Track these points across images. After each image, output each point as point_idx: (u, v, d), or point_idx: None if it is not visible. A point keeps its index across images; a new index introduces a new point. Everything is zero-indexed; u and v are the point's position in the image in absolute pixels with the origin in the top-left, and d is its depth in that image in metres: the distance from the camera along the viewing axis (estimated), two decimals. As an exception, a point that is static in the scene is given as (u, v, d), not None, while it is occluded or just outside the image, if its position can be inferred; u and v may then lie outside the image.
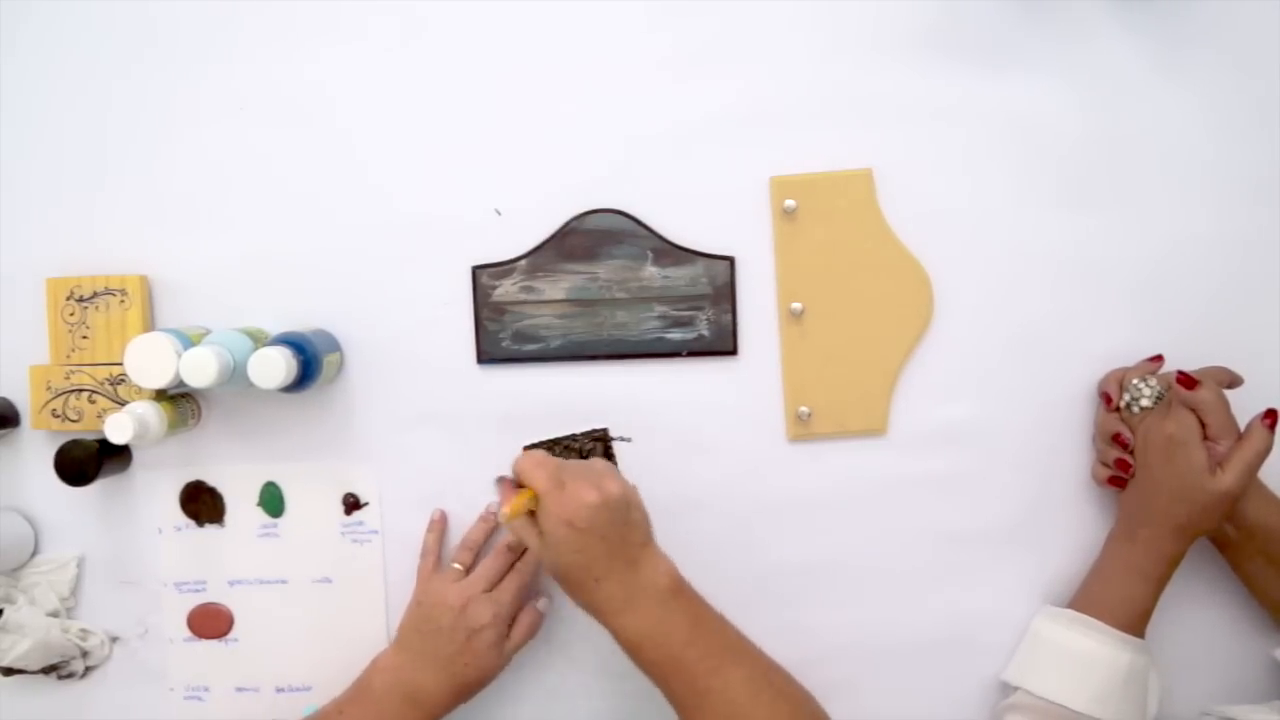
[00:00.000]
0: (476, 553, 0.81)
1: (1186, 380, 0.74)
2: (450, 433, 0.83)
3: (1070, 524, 0.82)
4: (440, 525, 0.82)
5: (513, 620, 0.79)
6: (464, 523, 0.83)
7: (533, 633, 0.80)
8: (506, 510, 0.69)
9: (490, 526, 0.82)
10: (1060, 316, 0.81)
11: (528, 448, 0.83)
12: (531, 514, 0.70)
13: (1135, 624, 0.76)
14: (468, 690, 0.77)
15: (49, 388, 0.82)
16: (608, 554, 0.69)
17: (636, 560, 0.70)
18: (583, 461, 0.75)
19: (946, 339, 0.81)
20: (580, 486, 0.69)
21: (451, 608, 0.76)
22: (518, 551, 0.80)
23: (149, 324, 0.82)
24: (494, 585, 0.78)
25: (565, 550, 0.69)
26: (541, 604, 0.82)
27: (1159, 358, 0.79)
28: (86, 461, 0.78)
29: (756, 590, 0.82)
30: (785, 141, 0.80)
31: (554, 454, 0.83)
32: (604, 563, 0.69)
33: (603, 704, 0.84)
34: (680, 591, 0.71)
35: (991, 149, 0.80)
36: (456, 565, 0.79)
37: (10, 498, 0.84)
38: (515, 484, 0.72)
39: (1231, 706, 0.75)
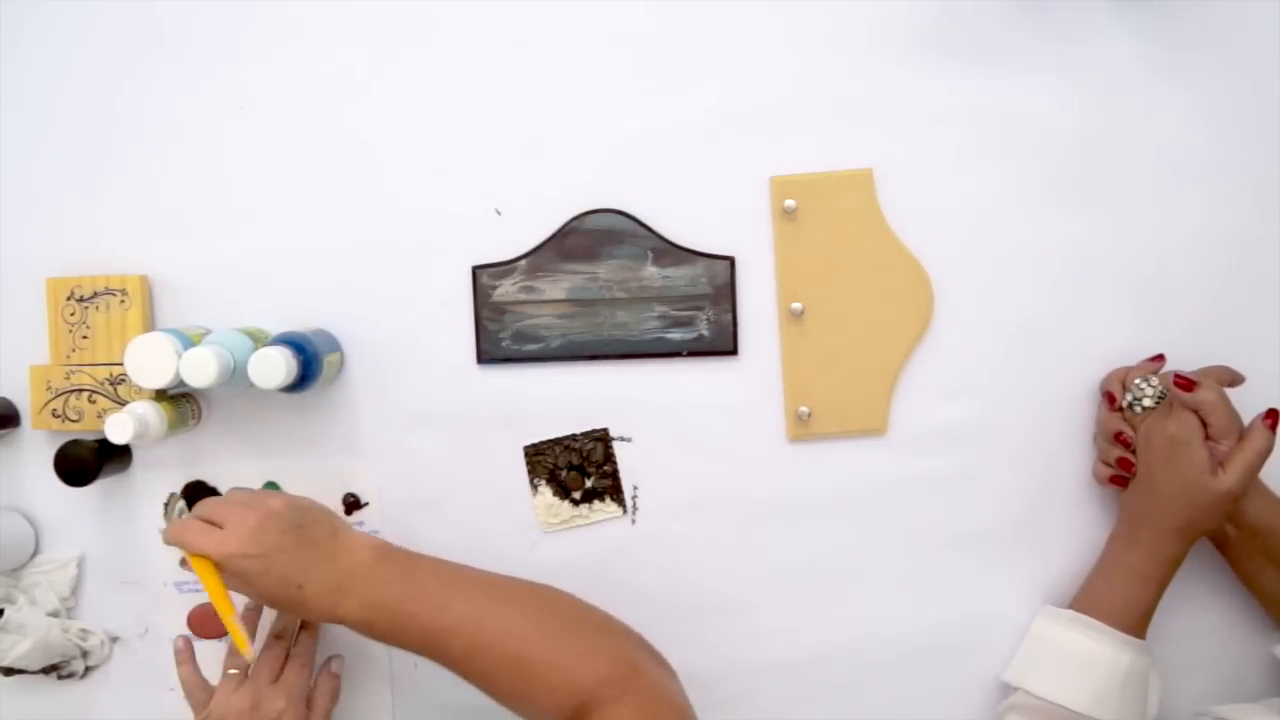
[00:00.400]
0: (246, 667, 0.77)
1: (1184, 383, 0.74)
2: (450, 433, 0.83)
3: (1071, 524, 0.82)
4: (187, 654, 0.80)
5: (310, 696, 0.78)
6: (465, 517, 0.83)
7: (335, 696, 0.79)
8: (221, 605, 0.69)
9: (254, 620, 0.80)
10: (1060, 316, 0.81)
11: (528, 448, 0.83)
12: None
13: (1136, 624, 0.76)
14: None
15: (49, 388, 0.82)
16: (296, 559, 0.69)
17: (331, 553, 0.70)
18: (233, 492, 0.74)
19: (946, 339, 0.81)
20: (236, 515, 0.70)
21: (243, 711, 0.74)
22: (288, 634, 0.78)
23: (149, 324, 0.82)
24: (278, 674, 0.76)
25: (256, 578, 0.68)
26: (335, 665, 0.81)
27: (1160, 357, 0.79)
28: (86, 461, 0.78)
29: (756, 590, 0.82)
30: (785, 141, 0.80)
31: (554, 454, 0.83)
32: (296, 569, 0.69)
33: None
34: (385, 557, 0.71)
35: (991, 149, 0.80)
36: (233, 671, 0.76)
37: (10, 498, 0.84)
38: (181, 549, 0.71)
39: (1225, 706, 0.75)
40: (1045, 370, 0.81)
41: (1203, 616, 0.81)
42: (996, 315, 0.81)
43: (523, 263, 0.82)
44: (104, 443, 0.77)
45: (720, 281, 0.81)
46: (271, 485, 0.84)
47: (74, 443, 0.79)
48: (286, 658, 0.78)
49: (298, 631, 0.79)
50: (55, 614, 0.83)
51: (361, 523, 0.84)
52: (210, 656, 0.84)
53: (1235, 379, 0.76)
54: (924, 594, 0.83)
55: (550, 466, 0.83)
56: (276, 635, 0.78)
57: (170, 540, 0.71)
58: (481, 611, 0.68)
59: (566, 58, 0.81)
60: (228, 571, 0.69)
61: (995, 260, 0.81)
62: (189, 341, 0.75)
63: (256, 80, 0.82)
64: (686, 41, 0.80)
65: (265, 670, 0.76)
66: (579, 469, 0.83)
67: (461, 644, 0.67)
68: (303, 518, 0.71)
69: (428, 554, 0.73)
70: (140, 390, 0.79)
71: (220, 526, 0.70)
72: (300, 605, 0.69)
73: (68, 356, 0.81)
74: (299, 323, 0.82)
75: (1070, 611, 0.77)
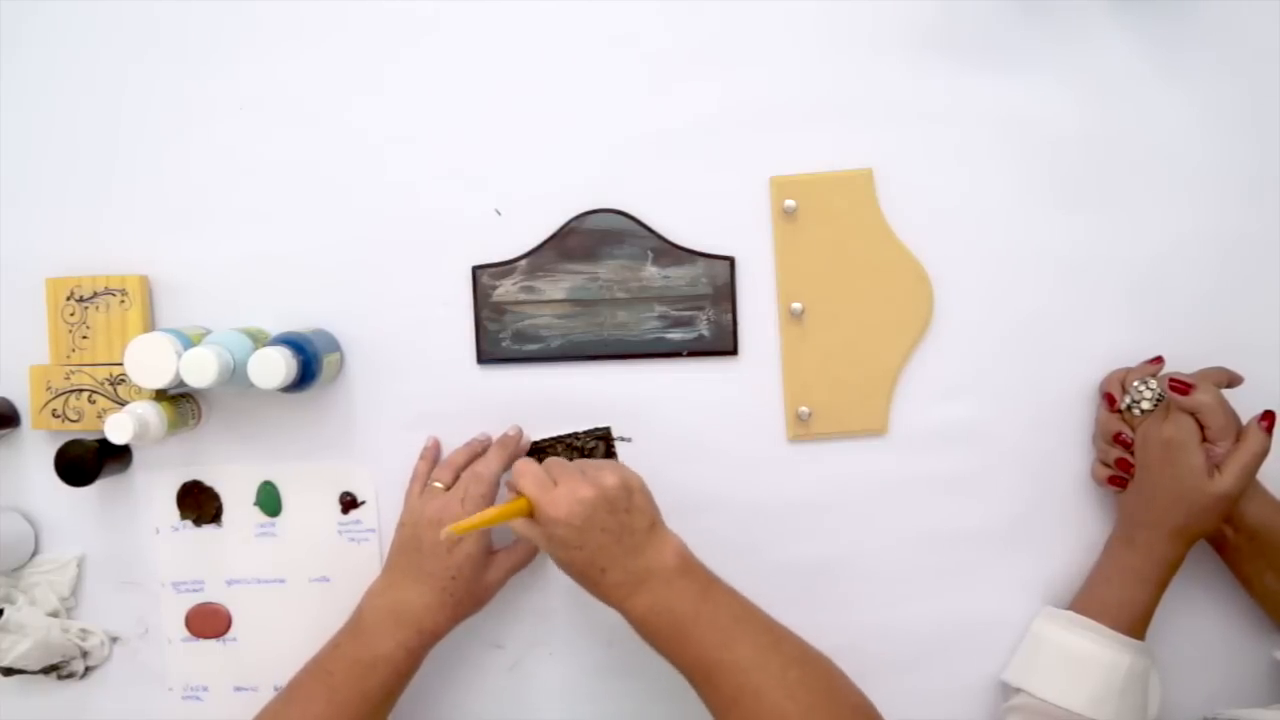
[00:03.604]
0: (458, 472, 0.79)
1: (1180, 387, 0.74)
2: (450, 433, 0.83)
3: (1070, 524, 0.82)
4: (432, 453, 0.82)
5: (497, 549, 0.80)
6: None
7: (523, 560, 0.81)
8: (453, 527, 0.69)
9: (474, 451, 0.81)
10: (1060, 316, 0.81)
11: (533, 444, 0.83)
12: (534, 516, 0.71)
13: (1135, 626, 0.76)
14: (461, 608, 0.77)
15: (49, 388, 0.82)
16: (609, 545, 0.70)
17: (640, 546, 0.71)
18: (582, 460, 0.75)
19: (946, 339, 0.81)
20: (573, 483, 0.70)
21: (431, 523, 0.76)
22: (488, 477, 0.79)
23: (149, 324, 0.82)
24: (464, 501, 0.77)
25: (567, 547, 0.70)
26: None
27: (1159, 359, 0.79)
28: (87, 461, 0.78)
29: (756, 591, 0.82)
30: (785, 141, 0.80)
31: (556, 452, 0.83)
32: (606, 554, 0.70)
33: (605, 706, 0.84)
34: (687, 569, 0.72)
35: (991, 149, 0.80)
36: (437, 484, 0.78)
37: (10, 498, 0.84)
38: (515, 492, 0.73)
39: (1237, 710, 0.75)
40: (1045, 370, 0.81)
41: (1202, 618, 0.81)
42: (996, 315, 0.81)
43: (523, 263, 0.82)
44: (104, 443, 0.77)
45: (720, 281, 0.81)
46: (268, 484, 0.84)
47: (74, 443, 0.79)
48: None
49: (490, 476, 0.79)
50: (55, 614, 0.83)
51: (358, 521, 0.84)
52: (208, 656, 0.85)
53: (1233, 380, 0.76)
54: (924, 594, 0.83)
55: (551, 465, 0.83)
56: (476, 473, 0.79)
57: (513, 473, 0.72)
58: (764, 659, 0.69)
59: (567, 58, 0.81)
60: (545, 531, 0.70)
61: (995, 260, 0.81)
62: (189, 341, 0.75)
63: (256, 80, 0.82)
64: (687, 42, 0.80)
65: (461, 493, 0.77)
66: (579, 468, 0.83)
67: (732, 684, 0.68)
68: (629, 502, 0.71)
69: (721, 579, 0.73)
70: (140, 390, 0.79)
71: (555, 484, 0.70)
72: (595, 586, 0.71)
73: (68, 356, 0.81)
74: (299, 323, 0.82)
75: (1069, 613, 0.77)
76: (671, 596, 0.70)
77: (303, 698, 0.75)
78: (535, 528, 0.71)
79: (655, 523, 0.73)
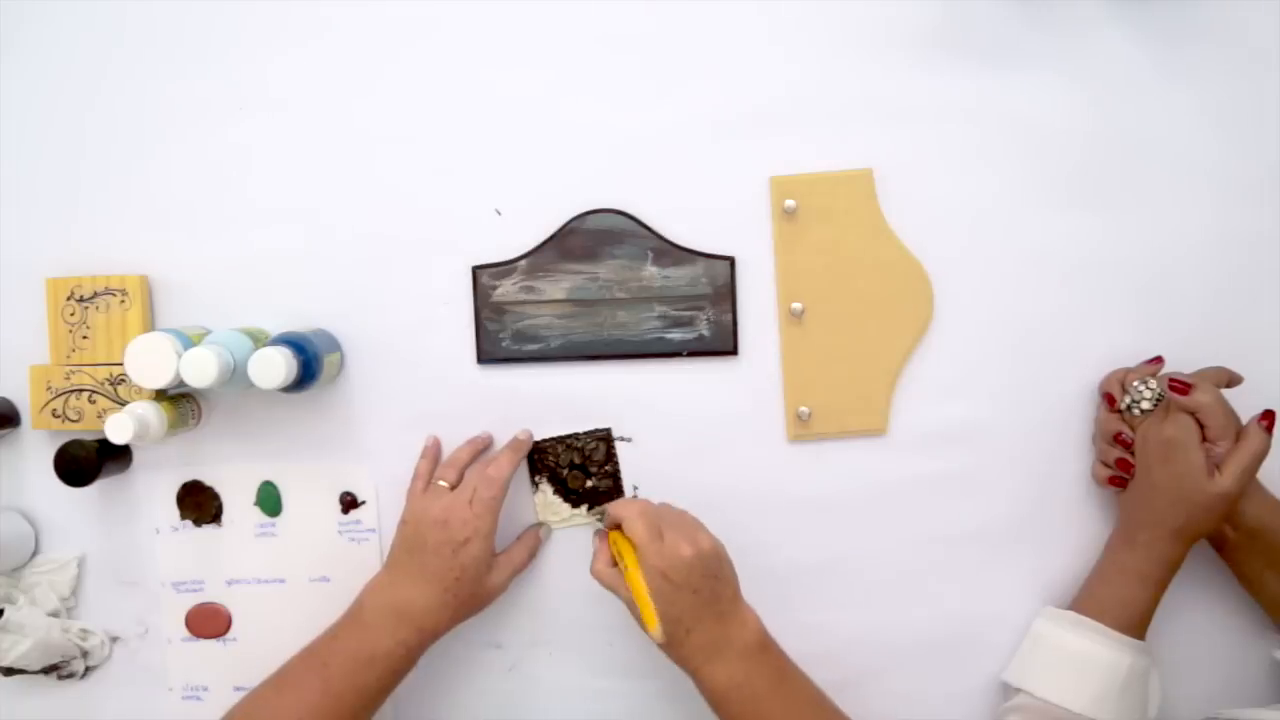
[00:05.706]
0: (461, 471, 0.80)
1: (1180, 387, 0.74)
2: (450, 433, 0.83)
3: (1070, 524, 0.82)
4: (433, 451, 0.82)
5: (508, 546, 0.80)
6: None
7: (531, 554, 0.81)
8: (650, 627, 0.71)
9: (477, 449, 0.82)
10: (1061, 316, 0.81)
11: (535, 444, 0.83)
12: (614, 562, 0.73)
13: (1135, 626, 0.75)
14: (463, 609, 0.77)
15: (49, 388, 0.82)
16: (698, 607, 0.71)
17: (725, 614, 0.72)
18: (676, 510, 0.76)
19: (946, 339, 0.81)
20: (676, 539, 0.71)
21: (436, 522, 0.76)
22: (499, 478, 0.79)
23: (149, 324, 0.82)
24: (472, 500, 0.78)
25: (659, 602, 0.71)
26: (541, 531, 0.83)
27: (1159, 359, 0.79)
28: (86, 461, 0.78)
29: (756, 591, 0.82)
30: (785, 141, 0.80)
31: (556, 453, 0.83)
32: (693, 615, 0.71)
33: (605, 706, 0.84)
34: (766, 647, 0.73)
35: (992, 149, 0.80)
36: (441, 483, 0.78)
37: (10, 498, 0.84)
38: (611, 528, 0.74)
39: (1238, 710, 0.75)
40: (1045, 370, 0.81)
41: (1202, 618, 0.81)
42: (996, 315, 0.81)
43: (523, 263, 0.82)
44: (104, 443, 0.77)
45: (720, 281, 0.81)
46: (268, 484, 0.84)
47: (74, 443, 0.79)
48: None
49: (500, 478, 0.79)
50: (55, 614, 0.83)
51: (359, 521, 0.84)
52: (208, 656, 0.85)
53: (1233, 380, 0.76)
54: (924, 594, 0.83)
55: (552, 465, 0.83)
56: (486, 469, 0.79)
57: (622, 513, 0.73)
58: None
59: (567, 58, 0.81)
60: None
61: (995, 260, 0.81)
62: (189, 341, 0.75)
63: (256, 80, 0.82)
64: (687, 41, 0.80)
65: (467, 493, 0.77)
66: (581, 468, 0.83)
67: None
68: (720, 570, 0.73)
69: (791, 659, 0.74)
70: (140, 390, 0.79)
71: (660, 535, 0.72)
72: (678, 646, 0.72)
73: (68, 356, 0.81)
74: (299, 323, 0.82)
75: (1070, 612, 0.77)
76: (752, 673, 0.71)
77: (296, 686, 0.75)
78: (621, 577, 0.72)
79: (738, 594, 0.74)
